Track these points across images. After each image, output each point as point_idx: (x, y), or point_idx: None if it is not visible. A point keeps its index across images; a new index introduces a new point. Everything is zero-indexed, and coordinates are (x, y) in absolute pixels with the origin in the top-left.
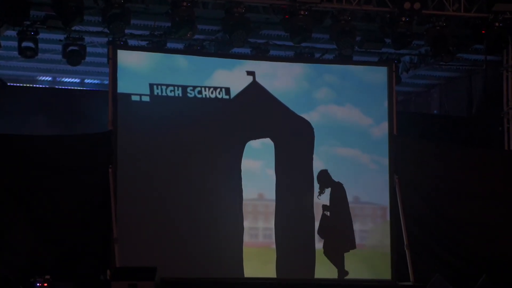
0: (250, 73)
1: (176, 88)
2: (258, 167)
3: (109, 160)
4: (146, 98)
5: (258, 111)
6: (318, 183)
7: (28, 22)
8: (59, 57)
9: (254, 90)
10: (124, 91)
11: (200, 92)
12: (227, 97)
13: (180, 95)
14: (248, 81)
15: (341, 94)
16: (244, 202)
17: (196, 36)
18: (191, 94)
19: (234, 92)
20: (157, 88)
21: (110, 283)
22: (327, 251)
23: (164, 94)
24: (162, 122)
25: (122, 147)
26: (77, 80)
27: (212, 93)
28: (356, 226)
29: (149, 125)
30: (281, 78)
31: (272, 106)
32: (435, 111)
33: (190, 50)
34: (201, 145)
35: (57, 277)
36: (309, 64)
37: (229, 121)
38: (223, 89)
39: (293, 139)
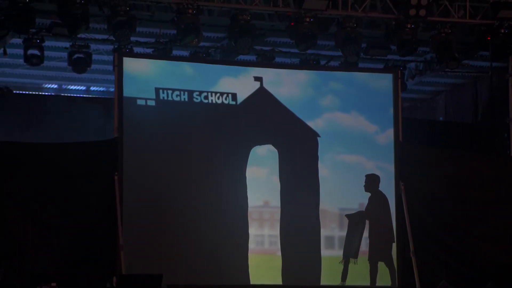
0: (258, 79)
1: (182, 92)
2: (263, 174)
3: (115, 167)
4: (151, 102)
5: (264, 117)
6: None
7: (33, 30)
8: (65, 64)
9: (261, 96)
10: (130, 95)
11: (206, 97)
12: (233, 102)
13: (186, 100)
14: (254, 88)
15: (346, 101)
16: (249, 209)
17: (201, 43)
18: (197, 99)
19: (240, 98)
20: (163, 93)
21: None
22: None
23: (170, 98)
24: (167, 126)
25: (128, 153)
26: (82, 88)
27: (218, 98)
28: None
29: (154, 129)
30: (286, 85)
31: (278, 112)
32: (440, 118)
33: (195, 57)
34: (206, 151)
35: (63, 285)
36: (315, 71)
37: (235, 127)
38: (230, 95)
39: (297, 146)
